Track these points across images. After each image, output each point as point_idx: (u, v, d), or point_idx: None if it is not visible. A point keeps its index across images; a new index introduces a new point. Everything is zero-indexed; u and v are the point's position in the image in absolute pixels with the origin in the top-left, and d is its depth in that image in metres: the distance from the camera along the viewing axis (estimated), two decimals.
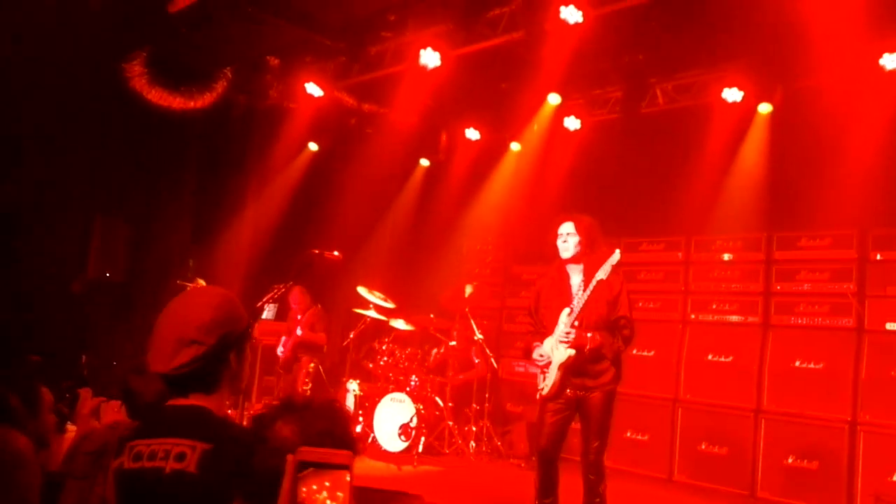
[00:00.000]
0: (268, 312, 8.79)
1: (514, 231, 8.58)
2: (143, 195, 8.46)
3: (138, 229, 8.54)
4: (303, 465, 1.22)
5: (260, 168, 9.07)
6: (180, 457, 1.67)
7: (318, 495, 1.21)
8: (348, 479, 1.21)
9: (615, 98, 7.71)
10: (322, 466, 1.22)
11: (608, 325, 4.31)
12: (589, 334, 4.21)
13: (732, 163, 7.07)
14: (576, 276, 4.41)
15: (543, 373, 4.39)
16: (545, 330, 4.43)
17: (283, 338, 7.89)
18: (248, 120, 8.77)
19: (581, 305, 4.23)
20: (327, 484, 1.21)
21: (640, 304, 7.52)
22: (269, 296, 7.22)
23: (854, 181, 6.00)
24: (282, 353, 7.83)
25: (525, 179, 8.54)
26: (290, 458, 1.23)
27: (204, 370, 1.78)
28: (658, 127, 7.37)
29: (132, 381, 2.67)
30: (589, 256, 4.35)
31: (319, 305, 7.82)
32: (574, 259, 4.39)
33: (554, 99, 7.58)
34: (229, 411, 6.69)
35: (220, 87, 8.11)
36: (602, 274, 4.19)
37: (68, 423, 3.51)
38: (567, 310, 4.28)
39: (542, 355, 4.39)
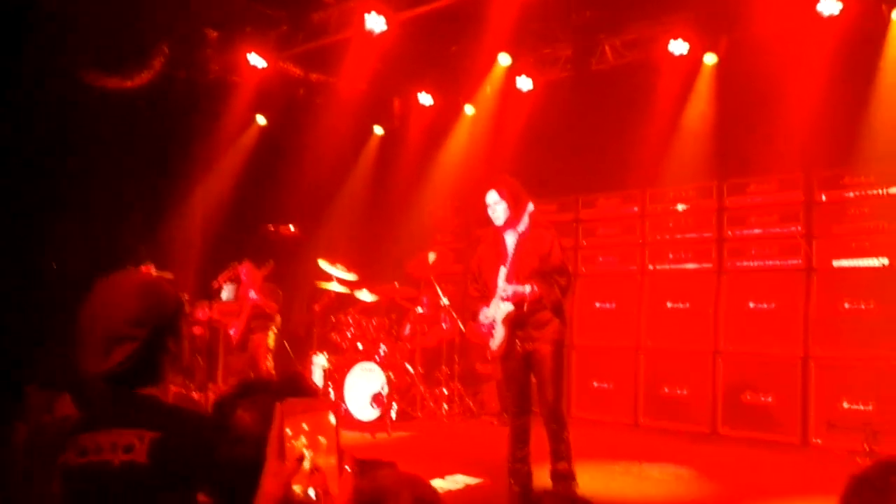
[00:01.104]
0: (226, 292, 9.11)
1: (473, 194, 8.98)
2: (87, 182, 8.59)
3: (84, 218, 8.72)
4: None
5: (207, 145, 9.21)
6: (129, 448, 1.67)
7: (295, 441, 1.28)
8: (332, 421, 1.31)
9: (565, 56, 8.17)
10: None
11: (543, 276, 4.67)
12: (527, 287, 4.60)
13: (682, 114, 7.67)
14: (510, 236, 4.79)
15: (491, 332, 4.79)
16: (490, 293, 4.81)
17: (235, 320, 8.07)
18: (191, 96, 8.91)
19: (511, 261, 4.65)
20: (305, 427, 1.29)
21: (600, 259, 8.18)
22: (224, 275, 7.60)
23: (798, 125, 6.63)
24: (234, 332, 8.01)
25: (481, 142, 8.99)
26: (277, 405, 1.31)
27: (143, 363, 1.78)
28: (609, 83, 7.90)
29: (78, 373, 2.70)
30: (518, 216, 4.71)
31: (271, 263, 7.86)
32: (507, 224, 4.76)
33: (504, 59, 8.01)
34: (194, 395, 7.06)
35: (158, 63, 8.25)
36: (521, 226, 4.63)
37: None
38: (503, 268, 4.68)
39: (486, 315, 4.79)
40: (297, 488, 1.28)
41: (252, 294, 7.81)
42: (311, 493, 1.28)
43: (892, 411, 6.00)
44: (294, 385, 1.67)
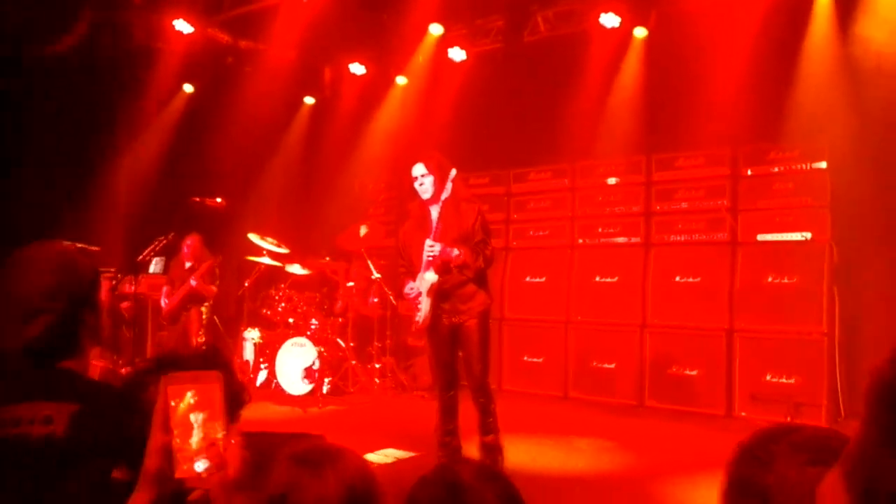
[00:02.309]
0: (154, 266, 8.65)
1: (405, 167, 8.70)
2: (6, 152, 8.03)
3: (4, 188, 8.15)
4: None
5: (132, 114, 8.76)
6: (47, 420, 1.61)
7: (178, 412, 1.20)
8: (219, 394, 1.21)
9: (497, 27, 7.89)
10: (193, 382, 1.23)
11: (468, 244, 4.48)
12: (454, 250, 4.40)
13: (612, 88, 7.44)
14: (436, 210, 4.57)
15: (416, 305, 4.58)
16: (415, 268, 4.60)
17: (166, 288, 7.61)
18: (115, 63, 8.41)
19: (435, 231, 4.44)
20: (191, 399, 1.21)
21: (531, 233, 7.95)
22: (150, 248, 7.12)
23: (725, 100, 6.46)
24: (166, 304, 7.57)
25: (413, 113, 8.65)
26: (162, 378, 1.22)
27: (60, 337, 1.73)
28: (541, 55, 7.65)
29: None
30: (443, 189, 4.49)
31: (220, 258, 7.57)
32: (434, 198, 4.54)
33: (436, 29, 7.69)
34: (123, 371, 6.62)
35: (81, 28, 7.74)
36: (445, 193, 4.43)
37: None
38: (428, 240, 4.45)
39: (412, 287, 4.59)
40: (185, 466, 1.19)
41: (192, 281, 7.36)
42: (201, 466, 1.19)
43: (814, 384, 5.94)
44: (209, 360, 1.60)
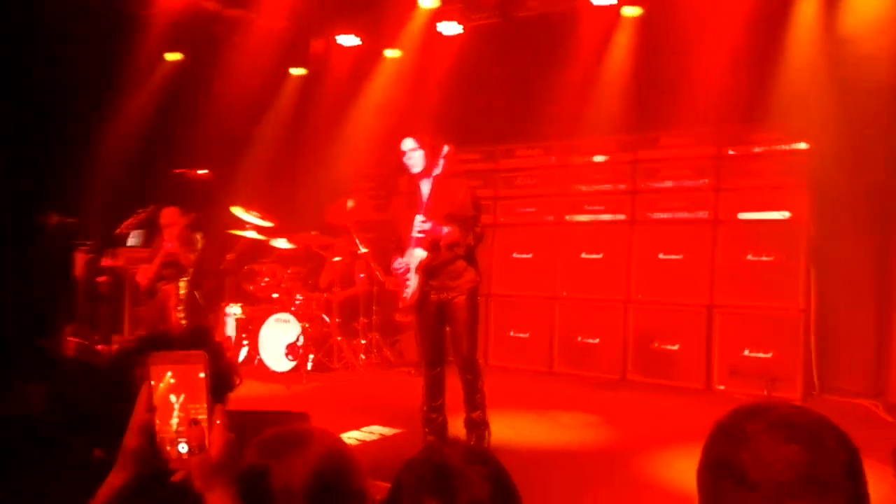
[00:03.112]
0: (133, 239, 8.68)
1: (394, 141, 8.79)
2: None
3: None
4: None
5: (113, 82, 8.70)
6: (23, 399, 1.72)
7: (158, 392, 1.22)
8: (202, 375, 1.23)
9: (492, 2, 7.97)
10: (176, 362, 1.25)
11: (458, 223, 4.60)
12: (445, 228, 4.54)
13: (601, 66, 7.61)
14: (425, 185, 4.71)
15: (405, 281, 4.72)
16: (404, 244, 4.73)
17: (143, 266, 7.56)
18: (99, 29, 8.36)
19: (426, 206, 4.58)
20: (172, 381, 1.23)
21: (519, 209, 8.16)
22: (129, 221, 7.17)
23: (711, 81, 6.66)
24: (143, 276, 7.49)
25: (404, 87, 8.72)
26: (148, 358, 1.25)
27: (33, 319, 1.87)
28: (533, 31, 7.77)
29: None
30: (435, 163, 4.62)
31: (192, 215, 7.48)
32: (424, 172, 4.69)
33: (427, 2, 7.77)
34: (98, 347, 6.72)
35: None
36: (437, 170, 4.57)
37: None
38: (419, 217, 4.58)
39: (400, 263, 4.73)
40: (168, 447, 1.23)
41: (168, 244, 7.40)
42: (183, 448, 1.23)
43: (790, 359, 6.27)
44: (198, 339, 1.58)
